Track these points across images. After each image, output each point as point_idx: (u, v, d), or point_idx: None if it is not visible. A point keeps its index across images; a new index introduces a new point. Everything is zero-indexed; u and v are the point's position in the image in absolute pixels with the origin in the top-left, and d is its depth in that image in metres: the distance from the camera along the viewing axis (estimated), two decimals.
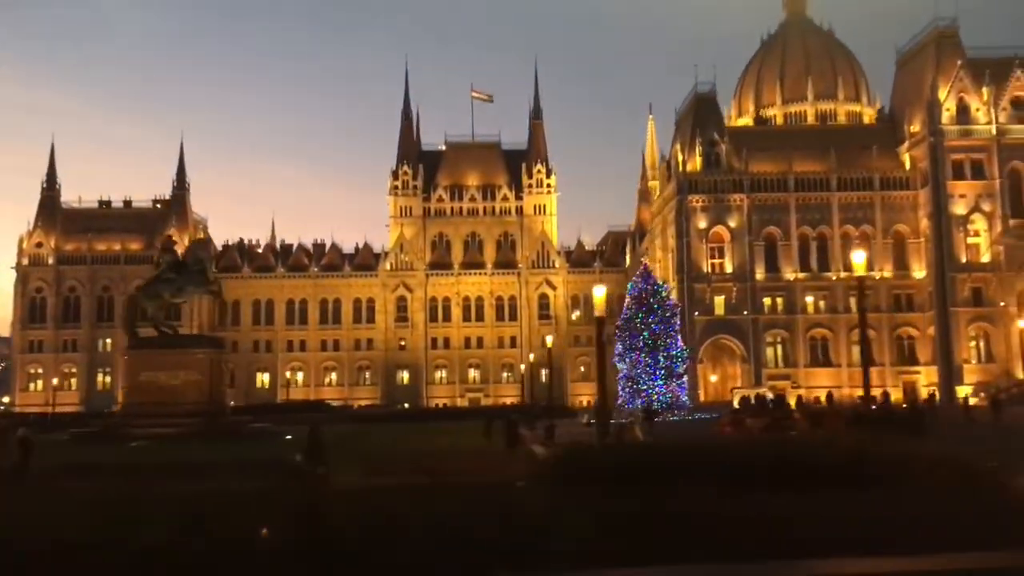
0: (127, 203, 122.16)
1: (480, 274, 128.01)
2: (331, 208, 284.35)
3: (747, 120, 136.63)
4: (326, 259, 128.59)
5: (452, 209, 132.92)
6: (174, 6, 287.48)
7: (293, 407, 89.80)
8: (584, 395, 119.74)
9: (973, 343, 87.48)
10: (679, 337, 73.48)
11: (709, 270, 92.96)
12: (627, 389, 72.79)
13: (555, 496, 13.40)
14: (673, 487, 11.52)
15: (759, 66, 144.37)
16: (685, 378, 73.37)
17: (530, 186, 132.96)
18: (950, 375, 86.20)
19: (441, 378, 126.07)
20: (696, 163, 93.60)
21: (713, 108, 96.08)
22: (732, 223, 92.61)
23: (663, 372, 71.10)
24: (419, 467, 23.97)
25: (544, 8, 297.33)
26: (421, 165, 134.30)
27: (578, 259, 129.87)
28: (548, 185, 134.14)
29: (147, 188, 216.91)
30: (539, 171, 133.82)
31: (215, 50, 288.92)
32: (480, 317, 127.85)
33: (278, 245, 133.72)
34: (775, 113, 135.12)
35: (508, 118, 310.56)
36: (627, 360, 72.73)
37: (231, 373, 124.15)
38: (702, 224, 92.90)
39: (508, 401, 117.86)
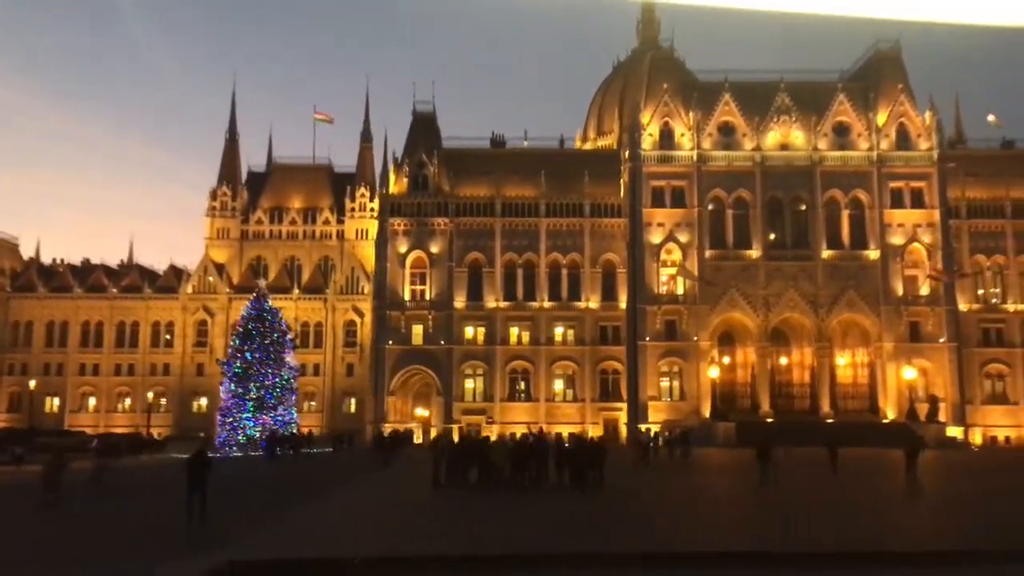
0: None
1: (286, 299, 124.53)
2: (189, 231, 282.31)
3: (590, 146, 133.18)
4: (127, 280, 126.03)
5: (271, 232, 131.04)
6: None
7: None
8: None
9: (666, 379, 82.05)
10: (284, 366, 69.51)
11: (410, 297, 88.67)
12: (221, 422, 69.20)
13: None
14: None
15: (603, 93, 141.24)
16: (283, 410, 69.26)
17: (353, 210, 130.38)
18: (637, 413, 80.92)
19: None
20: (403, 184, 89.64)
21: (429, 128, 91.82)
22: (434, 248, 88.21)
23: (252, 404, 67.27)
24: None
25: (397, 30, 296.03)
26: (245, 187, 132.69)
27: None
28: (372, 209, 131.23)
29: None
30: (363, 195, 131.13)
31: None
32: None
33: (134, 265, 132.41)
34: (613, 141, 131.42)
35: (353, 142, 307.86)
36: (222, 390, 69.25)
37: (17, 397, 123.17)
38: (403, 248, 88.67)
39: (308, 430, 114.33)
